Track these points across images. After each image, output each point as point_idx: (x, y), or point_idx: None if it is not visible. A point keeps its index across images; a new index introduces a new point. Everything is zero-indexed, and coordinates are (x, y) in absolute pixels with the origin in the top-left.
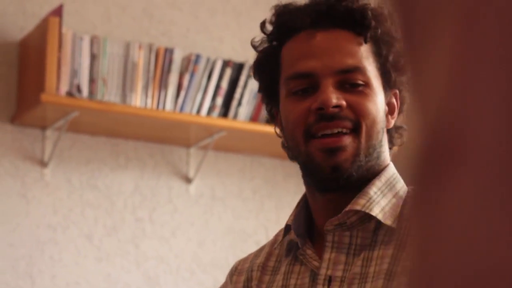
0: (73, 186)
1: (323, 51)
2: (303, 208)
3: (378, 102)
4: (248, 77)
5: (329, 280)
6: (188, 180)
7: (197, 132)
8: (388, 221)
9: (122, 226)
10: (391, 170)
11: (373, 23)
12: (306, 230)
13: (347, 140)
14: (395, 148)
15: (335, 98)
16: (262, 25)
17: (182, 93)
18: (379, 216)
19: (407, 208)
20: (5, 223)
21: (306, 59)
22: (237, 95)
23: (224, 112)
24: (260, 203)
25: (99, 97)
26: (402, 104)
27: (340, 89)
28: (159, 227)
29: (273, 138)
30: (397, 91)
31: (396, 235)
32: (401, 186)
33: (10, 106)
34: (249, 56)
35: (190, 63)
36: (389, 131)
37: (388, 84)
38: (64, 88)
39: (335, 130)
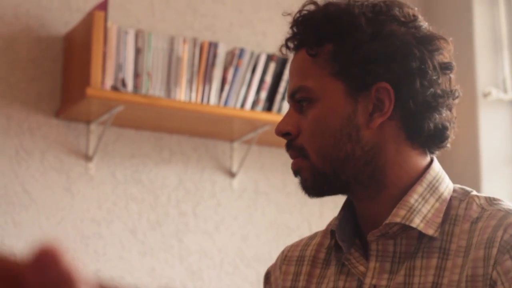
0: (117, 180)
1: (289, 76)
2: (348, 210)
3: (326, 114)
4: None
5: None
6: (231, 174)
7: (241, 126)
8: (430, 231)
9: (166, 220)
10: (434, 170)
11: (310, 34)
12: (352, 232)
13: (299, 164)
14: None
15: (284, 125)
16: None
17: (226, 87)
18: (420, 227)
19: None
20: (50, 217)
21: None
22: (281, 89)
23: (268, 106)
24: (303, 197)
25: (144, 91)
26: (400, 94)
27: (299, 112)
28: (202, 221)
29: None
30: (383, 84)
31: (439, 244)
32: (445, 187)
33: (55, 101)
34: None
35: (234, 57)
36: (409, 123)
37: (357, 84)
38: (109, 82)
39: (291, 156)
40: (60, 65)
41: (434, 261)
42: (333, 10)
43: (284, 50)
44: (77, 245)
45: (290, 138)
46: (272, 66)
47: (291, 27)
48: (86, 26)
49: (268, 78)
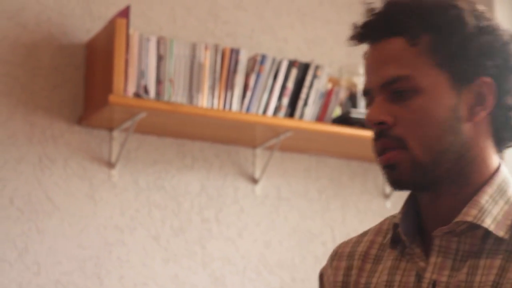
0: (140, 187)
1: (372, 66)
2: (412, 206)
3: (432, 105)
4: (313, 77)
5: (434, 284)
6: (254, 181)
7: (263, 133)
8: (500, 232)
9: (189, 227)
10: (502, 174)
11: (413, 22)
12: (414, 228)
13: (396, 157)
14: None
15: (376, 114)
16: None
17: (248, 94)
18: (492, 227)
19: None
20: (73, 224)
21: (366, 75)
22: (303, 95)
23: (290, 112)
24: (326, 203)
25: (166, 98)
26: (499, 89)
27: (392, 101)
28: (225, 227)
29: (339, 138)
30: (486, 78)
31: (505, 245)
32: None
33: (78, 108)
34: (314, 56)
35: (256, 63)
36: (497, 118)
37: (462, 76)
38: (131, 89)
39: (383, 148)
40: (82, 72)
41: (498, 262)
42: (436, 1)
43: (359, 37)
44: (101, 252)
45: (384, 128)
46: (294, 72)
47: (380, 13)
48: (108, 33)
49: (290, 84)
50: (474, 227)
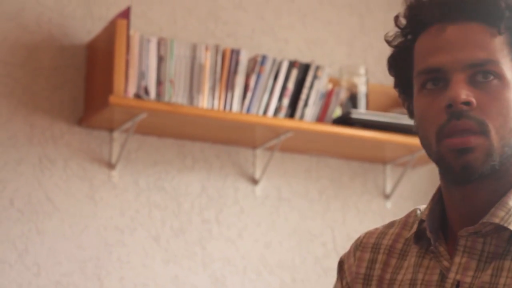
0: (140, 187)
1: (453, 45)
2: (438, 203)
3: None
4: (314, 77)
5: (457, 285)
6: (254, 181)
7: (264, 133)
8: None
9: (189, 227)
10: None
11: (507, 13)
12: (440, 225)
13: (476, 141)
14: None
15: (464, 94)
16: (396, 18)
17: (249, 94)
18: None
19: None
20: (73, 225)
21: (436, 54)
22: (303, 96)
23: (291, 113)
24: (326, 204)
25: (167, 98)
26: None
27: (472, 84)
28: (225, 228)
29: (340, 138)
30: None
31: None
32: None
33: (78, 109)
34: (314, 57)
35: (256, 64)
36: None
37: None
38: (131, 90)
39: (463, 130)
40: (82, 73)
41: None
42: None
43: (430, 14)
44: (101, 253)
45: (468, 109)
46: (294, 73)
47: None
48: (109, 34)
49: (290, 85)
50: (501, 229)
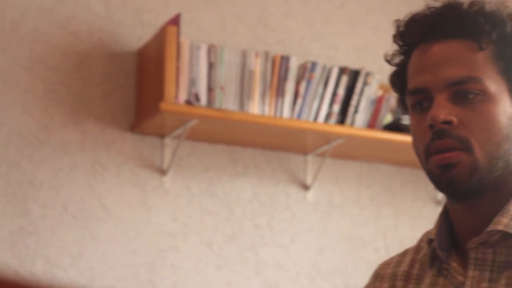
0: (192, 193)
1: (435, 64)
2: (445, 220)
3: (497, 110)
4: (364, 84)
5: None
6: (305, 187)
7: (314, 139)
8: None
9: (241, 233)
10: None
11: (487, 27)
12: (449, 242)
13: (459, 157)
14: None
15: (443, 113)
16: (394, 37)
17: (299, 101)
18: None
19: None
20: (127, 230)
21: (421, 74)
22: (353, 102)
23: (341, 119)
24: (378, 210)
25: (217, 105)
26: None
27: (454, 102)
28: (277, 234)
29: (390, 145)
30: None
31: None
32: None
33: (129, 115)
34: (364, 63)
35: (306, 70)
36: None
37: None
38: (182, 96)
39: (445, 148)
40: (133, 80)
41: None
42: (501, 9)
43: (416, 34)
44: (154, 258)
45: (449, 128)
46: (344, 79)
47: (445, 13)
48: (159, 41)
49: (341, 91)
50: (508, 237)
